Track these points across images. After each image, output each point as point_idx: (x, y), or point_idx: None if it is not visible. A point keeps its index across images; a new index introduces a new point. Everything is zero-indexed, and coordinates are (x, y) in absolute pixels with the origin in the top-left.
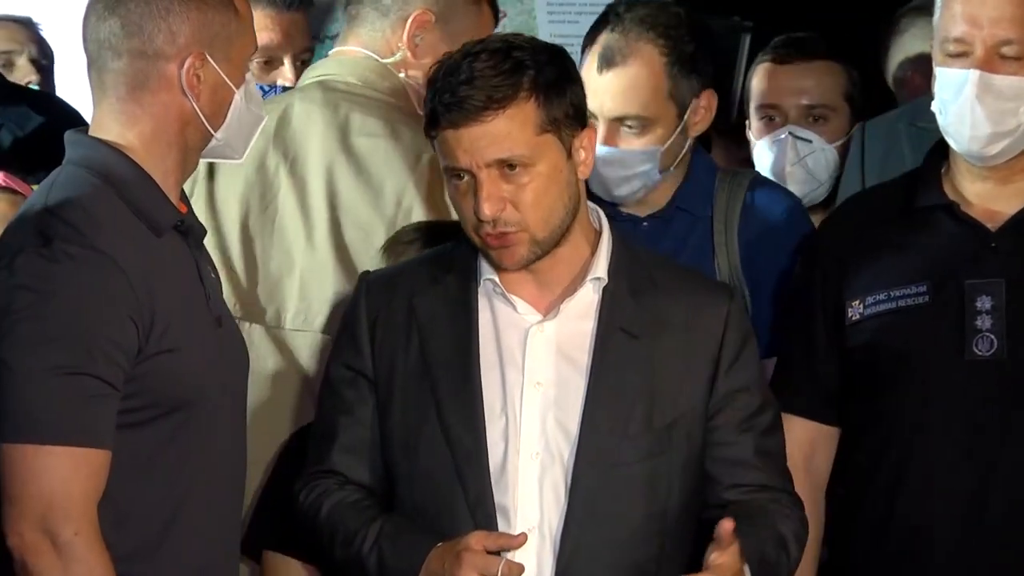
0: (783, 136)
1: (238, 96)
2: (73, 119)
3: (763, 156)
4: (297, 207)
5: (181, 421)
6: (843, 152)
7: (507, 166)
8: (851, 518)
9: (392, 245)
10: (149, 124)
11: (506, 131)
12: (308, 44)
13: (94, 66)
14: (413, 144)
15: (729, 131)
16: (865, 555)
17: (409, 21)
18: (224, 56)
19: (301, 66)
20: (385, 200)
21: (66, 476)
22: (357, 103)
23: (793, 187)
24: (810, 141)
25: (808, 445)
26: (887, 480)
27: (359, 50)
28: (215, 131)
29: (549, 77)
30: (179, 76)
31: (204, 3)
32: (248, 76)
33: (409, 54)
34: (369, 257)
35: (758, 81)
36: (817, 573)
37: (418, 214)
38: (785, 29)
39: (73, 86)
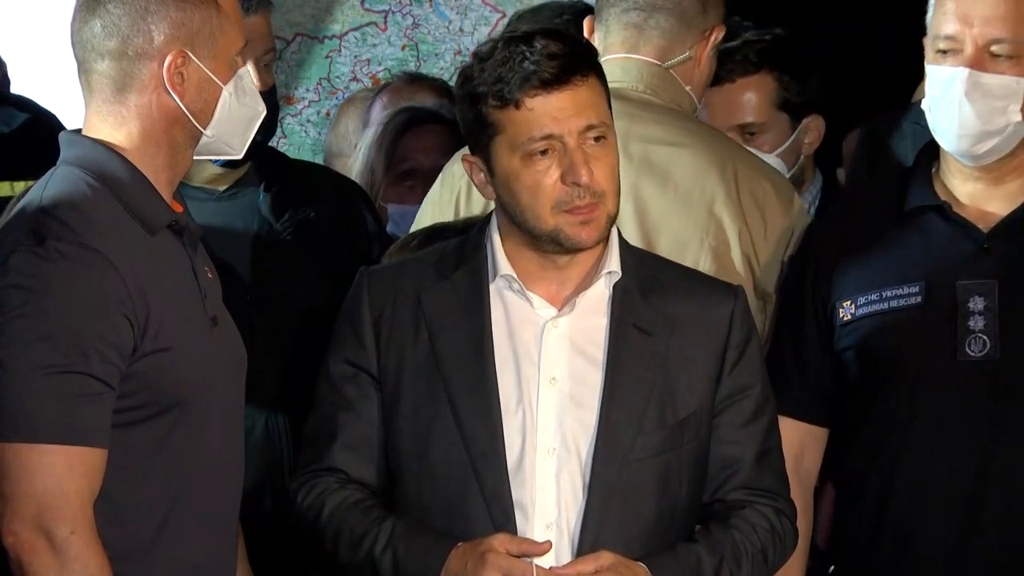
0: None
1: (226, 92)
2: (52, 120)
3: None
4: None
5: (175, 420)
6: (790, 158)
7: (592, 137)
8: (846, 520)
9: (398, 252)
10: (136, 124)
11: (591, 99)
12: (270, 45)
13: (82, 68)
14: (714, 151)
15: None
16: (862, 556)
17: (712, 36)
18: (208, 53)
19: (264, 68)
20: (695, 211)
21: (61, 475)
22: (653, 112)
23: None
24: None
25: (798, 445)
26: (880, 481)
27: (646, 59)
28: (204, 128)
29: (599, 60)
30: (161, 75)
31: (183, 1)
32: (242, 71)
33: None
34: None
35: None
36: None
37: (729, 223)
38: (785, 29)
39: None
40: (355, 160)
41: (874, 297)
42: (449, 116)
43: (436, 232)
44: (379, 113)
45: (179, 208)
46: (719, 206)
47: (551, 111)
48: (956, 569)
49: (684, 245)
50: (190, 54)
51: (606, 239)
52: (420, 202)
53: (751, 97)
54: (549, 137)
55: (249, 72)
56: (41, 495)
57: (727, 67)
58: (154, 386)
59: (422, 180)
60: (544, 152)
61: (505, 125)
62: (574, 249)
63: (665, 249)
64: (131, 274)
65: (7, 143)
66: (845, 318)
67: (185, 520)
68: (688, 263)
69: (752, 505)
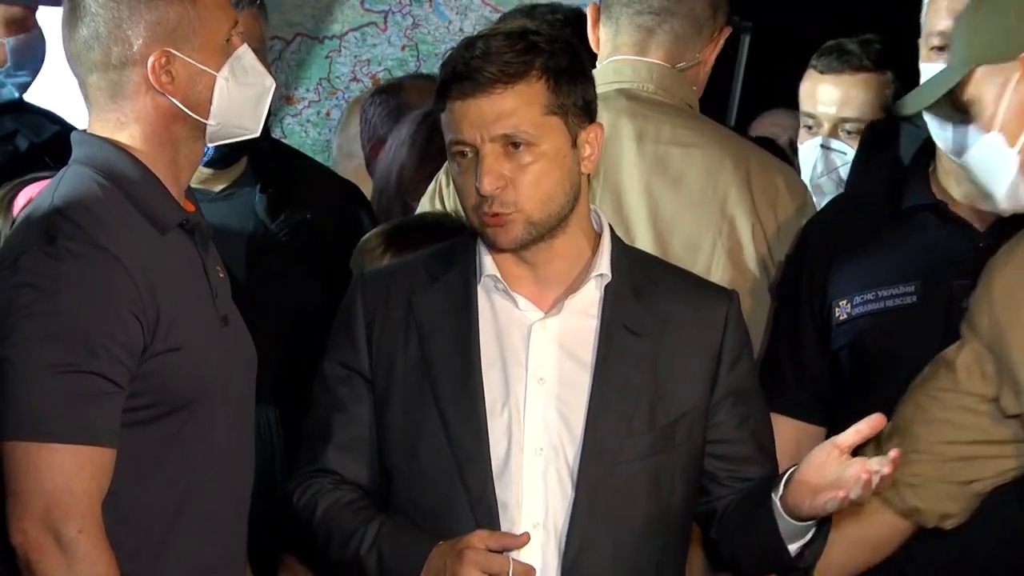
0: (815, 147)
1: (221, 78)
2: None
3: (802, 162)
4: (615, 221)
5: (185, 420)
6: None
7: (511, 144)
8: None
9: (358, 254)
10: (137, 127)
11: (513, 107)
12: (255, 45)
13: (77, 80)
14: (726, 149)
15: None
16: None
17: (720, 38)
18: (192, 45)
19: None
20: (708, 210)
21: (69, 474)
22: (665, 112)
23: (824, 196)
24: (844, 153)
25: (794, 444)
26: None
27: (656, 61)
28: (205, 118)
29: (562, 64)
30: (148, 78)
31: (154, 1)
32: (240, 51)
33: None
34: (696, 272)
35: (802, 86)
36: None
37: (743, 221)
38: (785, 29)
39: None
40: (386, 156)
41: (870, 296)
42: None
43: (406, 227)
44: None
45: (191, 207)
46: (732, 205)
47: (467, 116)
48: (953, 565)
49: (697, 245)
50: (173, 51)
51: (597, 241)
52: None
53: (861, 94)
54: (461, 142)
55: (249, 50)
56: (50, 494)
57: (839, 58)
58: (164, 386)
59: None
60: (464, 154)
61: (442, 124)
62: (499, 250)
63: (678, 249)
64: (141, 273)
65: (37, 150)
66: (841, 317)
67: (194, 520)
68: (701, 262)
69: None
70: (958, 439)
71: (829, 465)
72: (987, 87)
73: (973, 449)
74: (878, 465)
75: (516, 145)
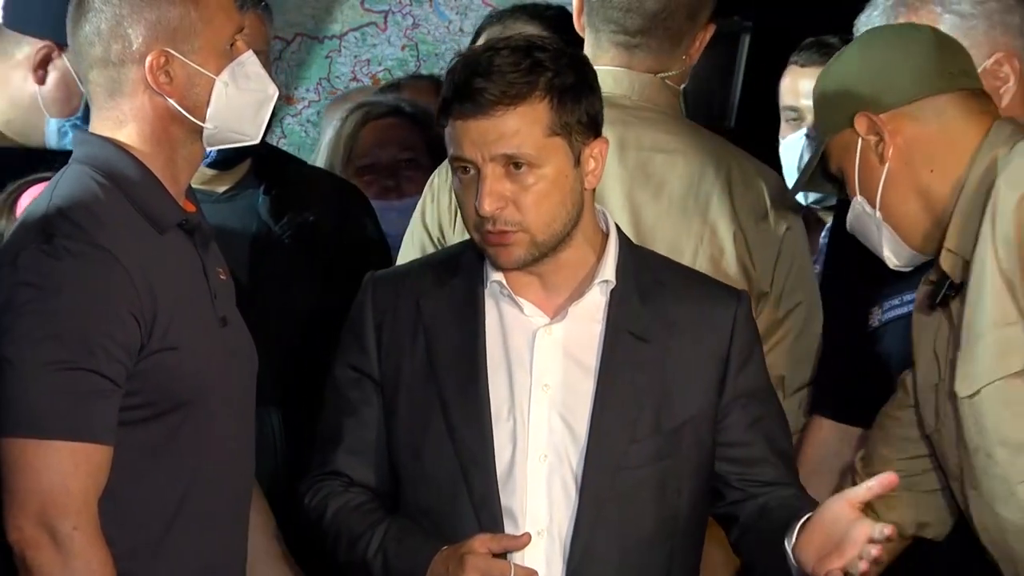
0: (798, 139)
1: (220, 82)
2: None
3: (784, 156)
4: None
5: (183, 419)
6: None
7: (512, 164)
8: None
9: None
10: (135, 126)
11: (515, 128)
12: (259, 47)
13: (80, 76)
14: (708, 154)
15: (729, 132)
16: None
17: (705, 36)
18: (192, 47)
19: None
20: (689, 218)
21: (65, 471)
22: (647, 119)
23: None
24: None
25: (836, 445)
26: None
27: (638, 72)
28: (202, 121)
29: (566, 81)
30: (146, 77)
31: (155, 1)
32: (244, 57)
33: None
34: None
35: (783, 81)
36: None
37: (724, 227)
38: (785, 29)
39: None
40: (316, 157)
41: (895, 302)
42: (410, 110)
43: None
44: None
45: (191, 208)
46: (714, 211)
47: (469, 134)
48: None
49: (679, 252)
50: (173, 52)
51: (603, 244)
52: (378, 197)
53: None
54: (462, 159)
55: (254, 57)
56: (46, 491)
57: (819, 52)
58: (160, 385)
59: (380, 175)
60: (465, 170)
61: (445, 138)
62: (500, 269)
63: None
64: (139, 272)
65: None
66: (873, 324)
67: (193, 519)
68: None
69: (792, 496)
70: (919, 453)
71: (840, 520)
72: (842, 156)
73: (934, 460)
74: (878, 535)
75: (518, 165)
